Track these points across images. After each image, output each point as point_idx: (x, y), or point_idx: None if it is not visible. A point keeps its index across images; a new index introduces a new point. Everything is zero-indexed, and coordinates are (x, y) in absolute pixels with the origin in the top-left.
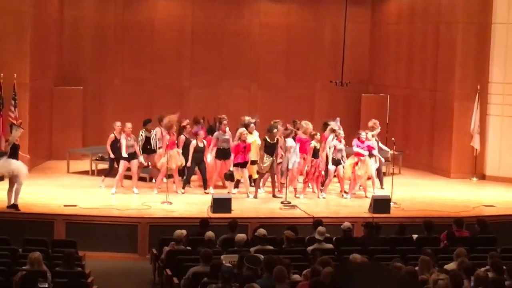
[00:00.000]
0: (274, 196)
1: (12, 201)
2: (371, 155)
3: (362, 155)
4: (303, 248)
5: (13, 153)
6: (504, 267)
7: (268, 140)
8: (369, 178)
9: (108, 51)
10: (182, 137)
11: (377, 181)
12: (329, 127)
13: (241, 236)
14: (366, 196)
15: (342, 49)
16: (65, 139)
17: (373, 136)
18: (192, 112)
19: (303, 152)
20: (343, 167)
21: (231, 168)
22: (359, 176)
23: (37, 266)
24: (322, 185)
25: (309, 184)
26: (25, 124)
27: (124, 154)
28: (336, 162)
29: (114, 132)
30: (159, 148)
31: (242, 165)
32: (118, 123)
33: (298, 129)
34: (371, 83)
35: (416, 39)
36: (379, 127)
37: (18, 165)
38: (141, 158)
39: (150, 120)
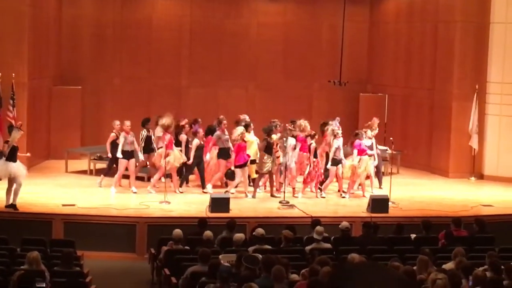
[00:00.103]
0: (272, 195)
1: (11, 201)
2: (369, 154)
3: (365, 152)
4: (301, 248)
5: (12, 155)
6: (502, 267)
7: (269, 140)
8: (368, 178)
9: (106, 50)
10: (184, 136)
11: (375, 180)
12: (330, 129)
13: (239, 235)
14: (364, 196)
15: (340, 48)
16: (64, 138)
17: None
18: (190, 111)
19: (303, 151)
20: (342, 166)
21: (233, 168)
22: (359, 174)
23: (35, 265)
24: (321, 185)
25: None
26: (23, 123)
27: (119, 155)
28: (337, 162)
29: (114, 131)
30: (159, 148)
31: (243, 165)
32: (117, 122)
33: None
34: (369, 82)
35: (414, 39)
36: (377, 128)
37: (16, 167)
38: (141, 155)
39: (149, 119)
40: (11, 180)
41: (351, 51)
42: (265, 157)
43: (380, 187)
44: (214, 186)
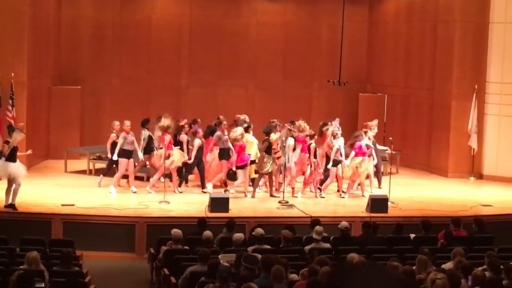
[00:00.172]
0: (271, 195)
1: (10, 201)
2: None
3: (365, 153)
4: (300, 248)
5: (11, 155)
6: (502, 267)
7: (270, 141)
8: (367, 177)
9: (106, 50)
10: (185, 137)
11: (375, 180)
12: (330, 130)
13: (238, 235)
14: (363, 196)
15: (339, 48)
16: (63, 138)
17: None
18: (189, 111)
19: (303, 151)
20: (342, 166)
21: (234, 168)
22: (359, 174)
23: (34, 265)
24: (321, 185)
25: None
26: (23, 123)
27: (115, 157)
28: (337, 163)
29: (114, 132)
30: (160, 148)
31: (245, 166)
32: (117, 123)
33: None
34: (368, 82)
35: (413, 38)
36: (376, 129)
37: (16, 168)
38: (140, 155)
39: (149, 119)
40: (11, 180)
41: (351, 51)
42: (266, 158)
43: (379, 187)
44: (214, 186)
